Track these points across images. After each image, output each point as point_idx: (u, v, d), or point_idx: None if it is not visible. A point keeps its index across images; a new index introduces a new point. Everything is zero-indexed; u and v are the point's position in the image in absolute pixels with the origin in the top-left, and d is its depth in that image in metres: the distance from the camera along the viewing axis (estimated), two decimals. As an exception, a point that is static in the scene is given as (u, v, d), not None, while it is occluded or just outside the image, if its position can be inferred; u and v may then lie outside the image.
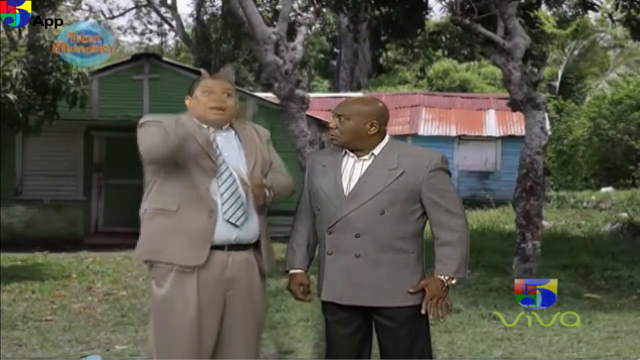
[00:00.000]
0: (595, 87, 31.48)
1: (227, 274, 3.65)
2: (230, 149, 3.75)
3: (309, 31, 15.35)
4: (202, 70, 3.97)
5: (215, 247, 3.63)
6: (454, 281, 3.66)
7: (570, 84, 31.81)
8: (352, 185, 3.68)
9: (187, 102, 3.77)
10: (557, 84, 31.67)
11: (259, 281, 3.78)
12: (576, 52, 33.29)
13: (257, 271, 3.77)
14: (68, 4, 27.13)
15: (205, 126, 3.71)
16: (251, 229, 3.71)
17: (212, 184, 3.65)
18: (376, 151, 3.72)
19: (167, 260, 3.62)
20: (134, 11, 37.38)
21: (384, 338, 3.72)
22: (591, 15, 25.86)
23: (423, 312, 3.63)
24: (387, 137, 3.76)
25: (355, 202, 3.64)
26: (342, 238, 3.66)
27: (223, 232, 3.64)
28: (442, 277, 3.65)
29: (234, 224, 3.65)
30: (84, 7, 31.73)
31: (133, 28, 39.94)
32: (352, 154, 3.74)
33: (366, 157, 3.72)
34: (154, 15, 37.12)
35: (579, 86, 32.75)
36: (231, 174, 3.70)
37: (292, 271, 3.84)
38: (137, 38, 42.10)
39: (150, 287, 3.76)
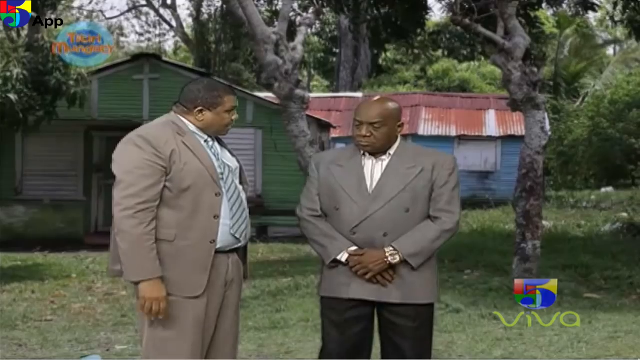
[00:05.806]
0: (592, 87, 31.38)
1: (228, 275, 3.69)
2: (223, 154, 3.76)
3: (309, 31, 15.34)
4: (221, 82, 3.89)
5: (219, 251, 3.64)
6: (397, 260, 3.62)
7: (559, 83, 31.66)
8: (375, 184, 3.71)
9: (196, 111, 3.67)
10: (552, 83, 31.52)
11: (242, 281, 3.83)
12: (567, 50, 33.14)
13: (242, 272, 3.81)
14: (65, 3, 27.06)
15: (205, 136, 3.70)
16: (247, 235, 3.76)
17: (221, 204, 3.63)
18: (392, 150, 3.77)
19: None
20: (133, 11, 37.32)
21: (400, 338, 3.71)
22: (591, 15, 25.82)
23: (351, 265, 3.63)
24: (399, 137, 3.82)
25: (380, 201, 3.67)
26: (368, 237, 3.67)
27: (228, 241, 3.66)
28: (388, 251, 3.63)
29: (237, 238, 3.68)
30: (82, 7, 31.67)
31: (121, 29, 39.77)
32: (369, 154, 3.76)
33: (384, 156, 3.76)
34: (153, 14, 37.08)
35: (575, 85, 32.65)
36: (237, 187, 3.72)
37: (351, 249, 3.68)
38: (134, 38, 42.01)
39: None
